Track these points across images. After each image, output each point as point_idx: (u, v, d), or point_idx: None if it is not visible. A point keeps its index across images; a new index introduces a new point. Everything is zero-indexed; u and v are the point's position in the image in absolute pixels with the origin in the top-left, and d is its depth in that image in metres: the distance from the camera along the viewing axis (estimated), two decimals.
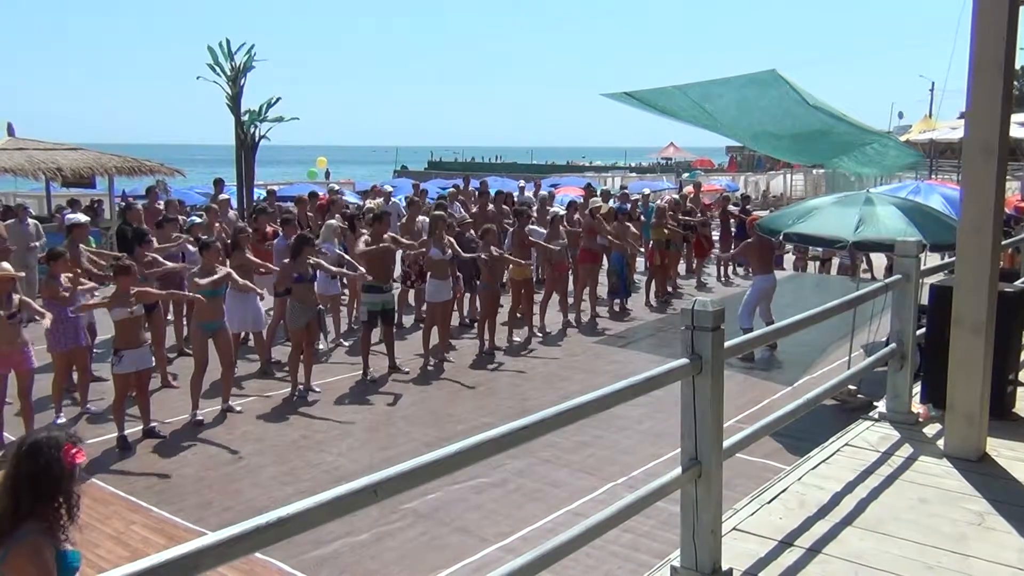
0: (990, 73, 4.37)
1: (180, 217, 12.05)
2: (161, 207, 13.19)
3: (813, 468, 4.68)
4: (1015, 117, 5.66)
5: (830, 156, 12.83)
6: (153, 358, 8.28)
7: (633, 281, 14.92)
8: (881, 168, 14.96)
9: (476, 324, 11.55)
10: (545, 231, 12.31)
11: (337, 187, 20.61)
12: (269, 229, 11.42)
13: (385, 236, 9.98)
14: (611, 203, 15.53)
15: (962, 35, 4.70)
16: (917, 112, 47.87)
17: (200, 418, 8.31)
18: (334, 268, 9.97)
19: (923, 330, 5.82)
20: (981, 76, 4.41)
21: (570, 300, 12.91)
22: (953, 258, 5.67)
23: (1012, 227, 9.78)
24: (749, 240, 10.91)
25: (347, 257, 10.50)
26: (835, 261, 16.31)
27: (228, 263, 9.18)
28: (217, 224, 11.81)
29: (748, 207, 17.36)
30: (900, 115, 46.53)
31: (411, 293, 12.52)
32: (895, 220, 8.38)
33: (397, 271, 11.40)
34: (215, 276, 8.41)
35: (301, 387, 9.18)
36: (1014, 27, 4.34)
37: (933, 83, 49.84)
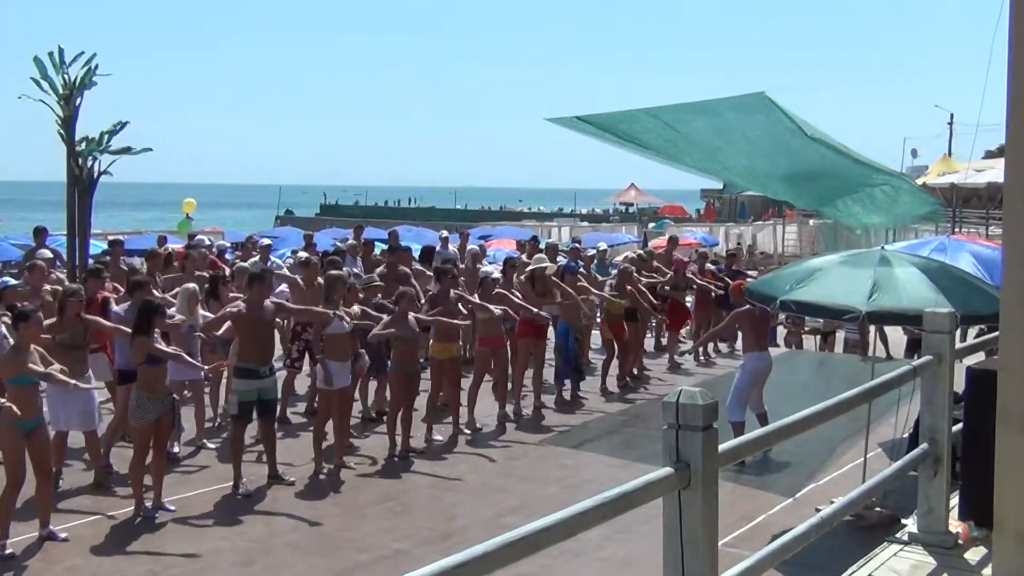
0: None
1: None
2: None
3: None
4: None
5: (830, 199, 13.19)
6: None
7: (588, 361, 14.96)
8: (891, 217, 15.32)
9: (385, 417, 11.39)
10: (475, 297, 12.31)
11: (209, 239, 20.31)
12: (101, 295, 11.10)
13: (266, 303, 9.87)
14: (559, 260, 15.66)
15: (997, 62, 4.88)
16: (933, 150, 49.90)
17: (10, 550, 7.95)
18: (187, 358, 9.67)
19: (958, 425, 5.92)
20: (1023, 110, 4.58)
21: (509, 386, 12.84)
22: (994, 334, 5.81)
23: None
24: (738, 309, 11.06)
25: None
26: (840, 335, 16.61)
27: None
28: (47, 287, 11.54)
29: (734, 267, 17.57)
30: (914, 153, 48.15)
31: (299, 378, 12.33)
32: (918, 285, 8.58)
33: (279, 349, 11.21)
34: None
35: (148, 505, 8.89)
36: None
37: (952, 115, 52.21)
